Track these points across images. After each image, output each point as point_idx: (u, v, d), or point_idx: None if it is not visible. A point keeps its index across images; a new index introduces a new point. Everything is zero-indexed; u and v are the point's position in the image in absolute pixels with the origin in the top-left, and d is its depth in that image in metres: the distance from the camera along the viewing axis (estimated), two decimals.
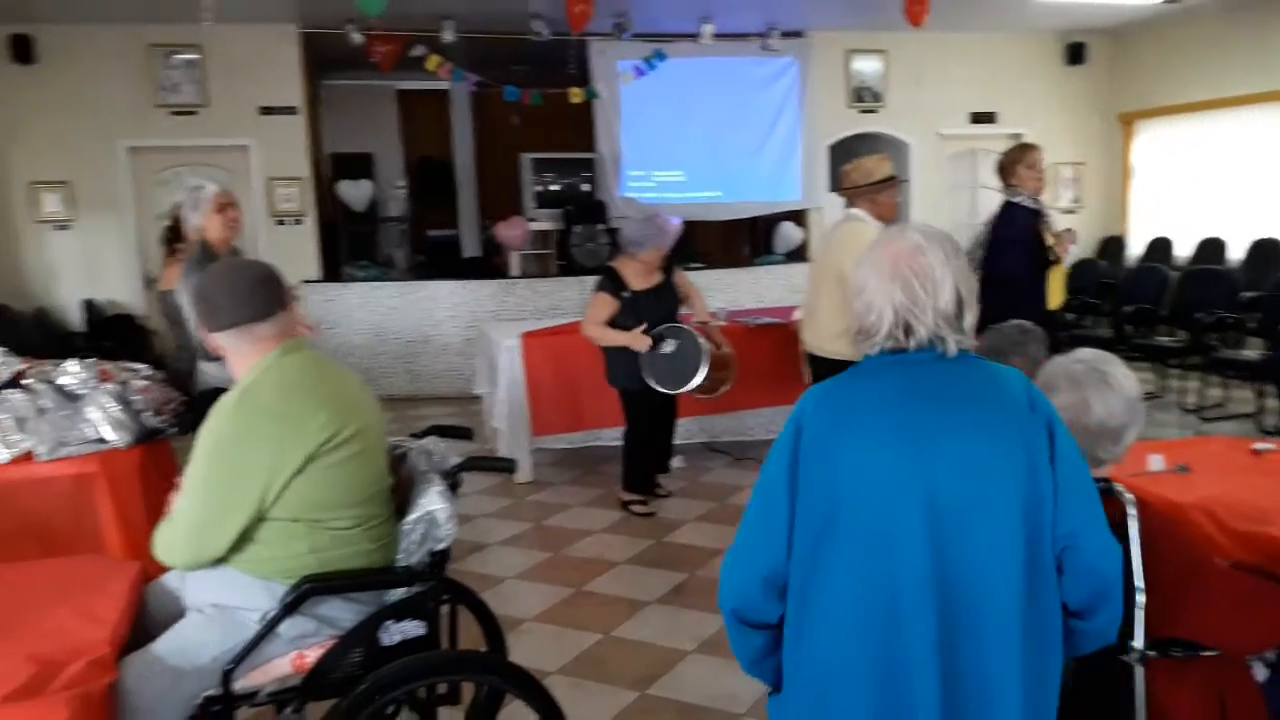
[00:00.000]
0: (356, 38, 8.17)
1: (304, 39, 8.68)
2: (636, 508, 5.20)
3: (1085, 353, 2.09)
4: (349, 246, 9.43)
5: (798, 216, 10.18)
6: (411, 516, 2.27)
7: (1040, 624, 1.54)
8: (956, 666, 1.51)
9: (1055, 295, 4.78)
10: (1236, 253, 8.91)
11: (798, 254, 10.01)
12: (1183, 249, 9.53)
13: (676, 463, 5.95)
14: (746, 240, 11.23)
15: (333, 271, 9.06)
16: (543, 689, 2.30)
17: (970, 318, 1.63)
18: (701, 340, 4.89)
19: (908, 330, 1.60)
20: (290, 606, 2.14)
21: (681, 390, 4.96)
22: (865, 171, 4.24)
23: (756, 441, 6.38)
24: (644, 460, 5.24)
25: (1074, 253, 4.95)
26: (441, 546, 2.30)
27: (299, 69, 8.73)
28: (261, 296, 2.22)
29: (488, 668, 2.46)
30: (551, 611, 4.00)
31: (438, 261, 10.26)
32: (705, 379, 4.88)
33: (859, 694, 1.55)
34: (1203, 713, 1.89)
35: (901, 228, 1.71)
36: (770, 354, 6.01)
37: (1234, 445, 3.23)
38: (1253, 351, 7.29)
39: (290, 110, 8.71)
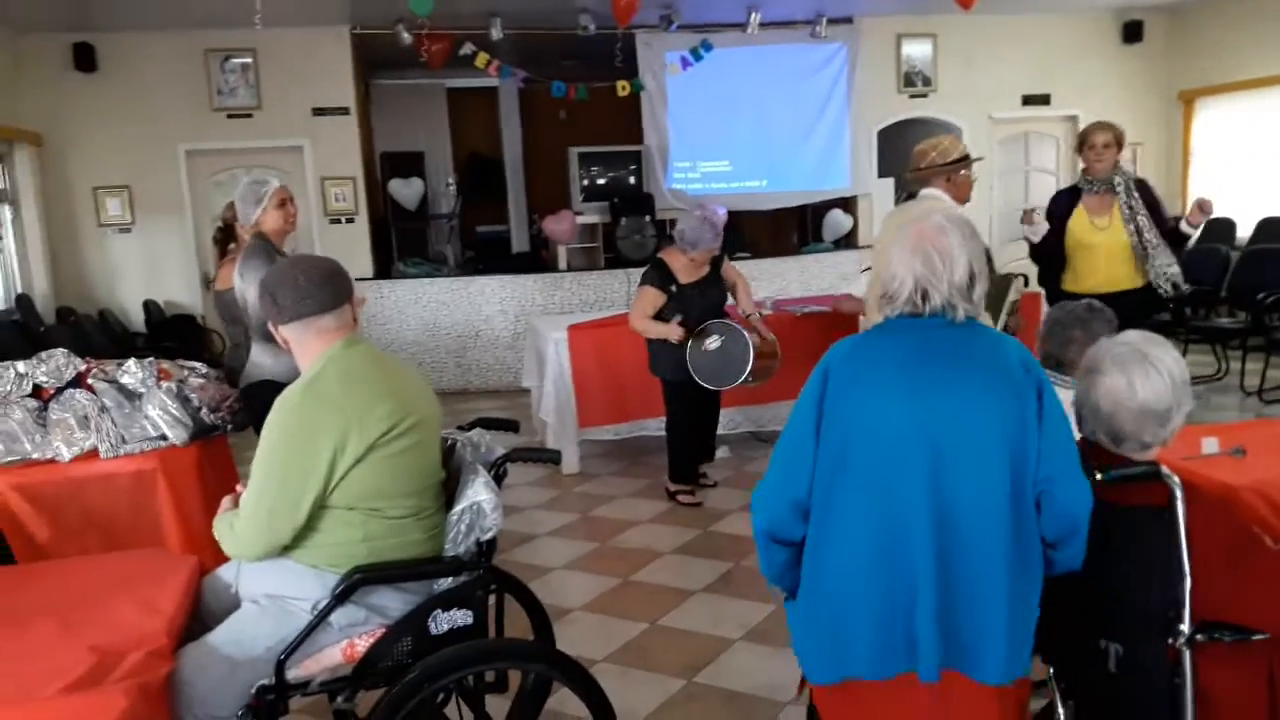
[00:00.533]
0: (406, 37, 8.27)
1: (355, 40, 8.81)
2: (683, 498, 5.21)
3: (1131, 334, 2.08)
4: (400, 244, 9.54)
5: (846, 204, 10.09)
6: (458, 507, 2.31)
7: (1021, 549, 1.82)
8: (950, 580, 1.80)
9: (1089, 277, 4.59)
10: None
11: (846, 241, 9.92)
12: (1244, 229, 9.26)
13: (722, 453, 5.95)
14: (794, 228, 11.15)
15: (385, 269, 9.20)
16: (589, 677, 2.32)
17: (979, 290, 1.90)
18: (747, 335, 4.87)
19: (924, 297, 1.89)
20: (341, 596, 2.18)
21: (727, 387, 4.97)
22: (943, 151, 4.10)
23: None
24: (687, 450, 5.25)
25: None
26: (488, 536, 2.33)
27: (350, 70, 8.87)
28: (326, 290, 2.27)
29: (535, 656, 2.48)
30: (598, 601, 4.03)
31: (487, 257, 10.35)
32: (749, 374, 4.87)
33: (869, 599, 1.84)
34: (1252, 697, 1.85)
35: (928, 211, 1.99)
36: (817, 342, 5.94)
37: None
38: None
39: (343, 111, 8.86)
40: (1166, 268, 4.51)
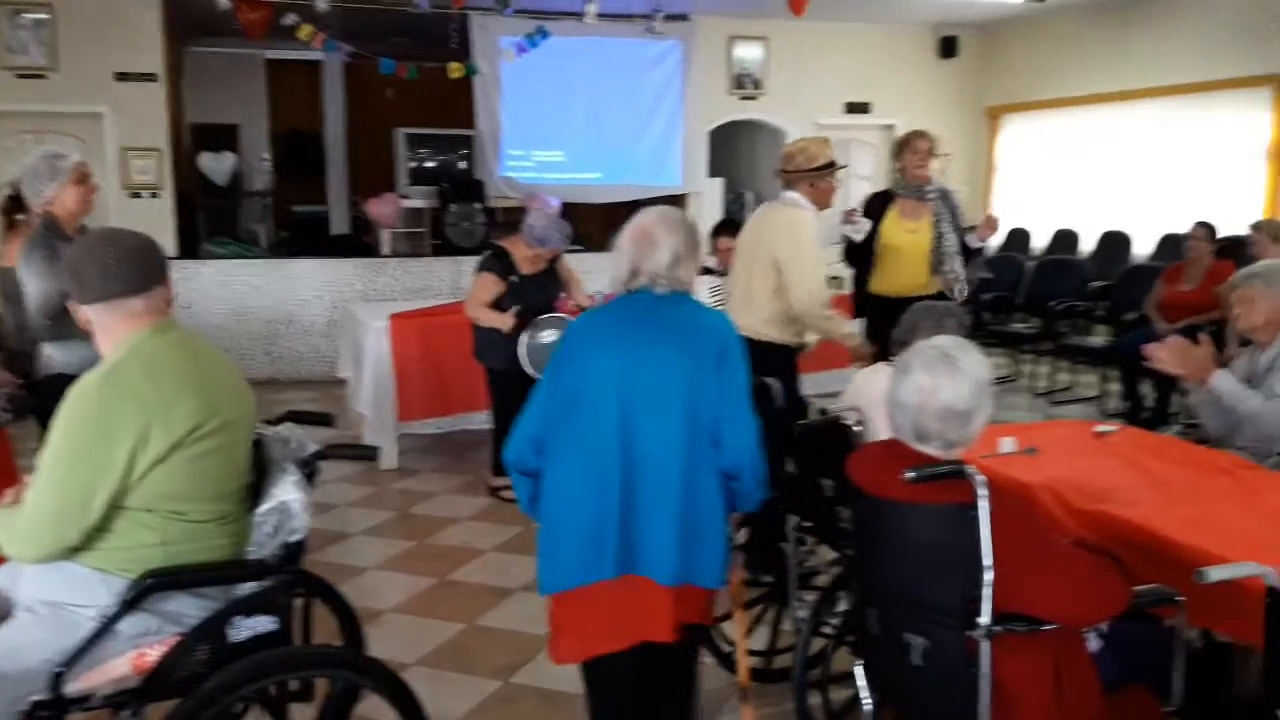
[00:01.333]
0: (223, 2, 7.75)
1: (165, 2, 8.21)
2: (506, 493, 5.11)
3: (942, 339, 2.18)
4: (209, 222, 9.01)
5: (678, 201, 10.22)
6: (264, 507, 2.20)
7: (695, 476, 2.23)
8: (633, 501, 2.22)
9: (894, 279, 4.71)
10: (1088, 244, 9.38)
11: None
12: (1040, 240, 9.97)
13: None
14: (627, 223, 11.22)
15: (190, 248, 8.65)
16: (399, 681, 2.25)
17: (683, 272, 2.33)
18: None
19: (634, 276, 2.32)
20: (131, 603, 2.02)
21: None
22: (809, 156, 4.13)
23: None
24: None
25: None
26: (296, 538, 2.23)
27: (159, 34, 8.28)
28: (134, 269, 2.10)
29: (340, 662, 2.37)
30: (413, 602, 3.91)
31: (304, 238, 9.93)
32: None
33: (574, 519, 2.26)
34: (1039, 683, 1.96)
35: (647, 210, 2.42)
36: None
37: (1079, 428, 3.40)
38: (1099, 338, 7.70)
39: (149, 77, 8.27)
40: (956, 275, 4.62)
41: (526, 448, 2.35)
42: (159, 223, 8.25)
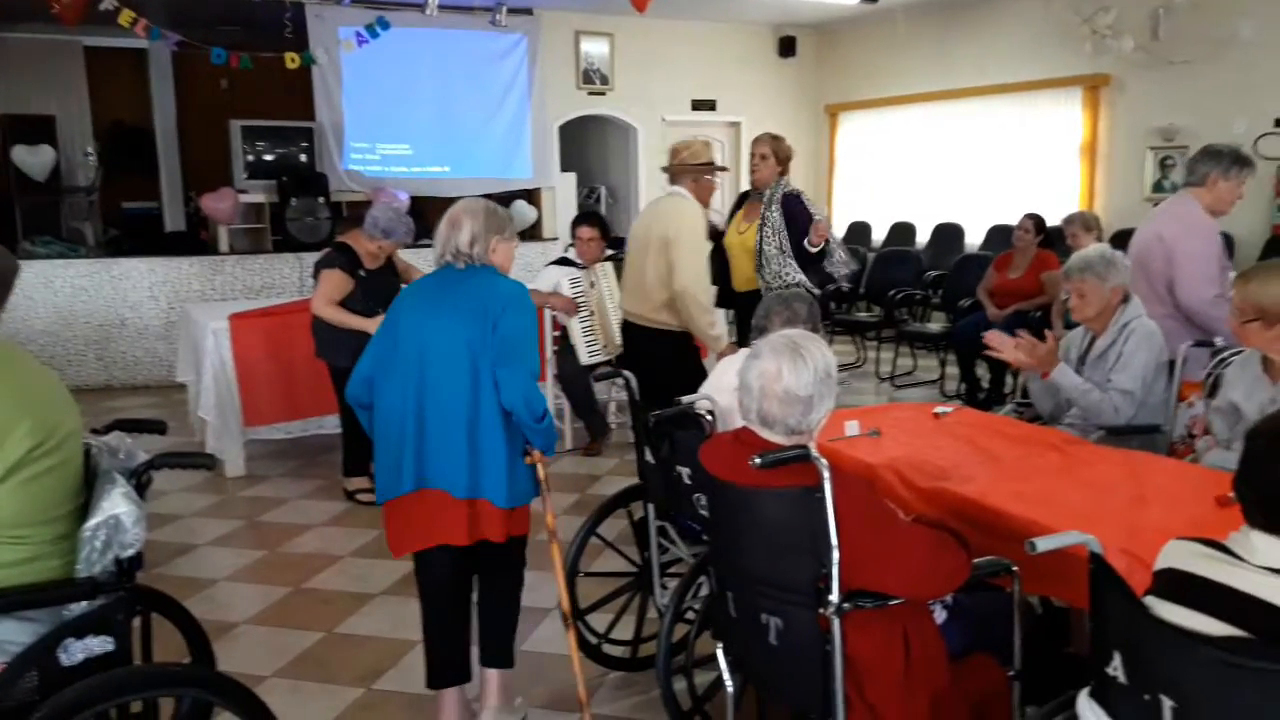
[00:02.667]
0: None
1: None
2: (362, 496, 4.99)
3: (792, 330, 2.29)
4: (25, 220, 8.38)
5: (531, 195, 10.16)
6: (92, 521, 2.07)
7: (480, 413, 2.71)
8: (425, 431, 2.72)
9: (735, 275, 4.92)
10: (924, 235, 9.85)
11: (531, 232, 9.99)
12: (880, 233, 10.41)
13: None
14: None
15: (8, 248, 7.98)
16: (251, 696, 2.17)
17: (478, 249, 2.78)
18: None
19: (443, 253, 2.81)
20: None
21: None
22: (694, 153, 4.42)
23: None
24: (364, 441, 5.02)
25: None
26: (129, 553, 2.10)
27: None
28: None
29: (183, 680, 2.28)
30: (268, 612, 3.77)
31: (135, 236, 9.37)
32: None
33: (384, 445, 2.80)
34: (889, 656, 2.05)
35: (460, 200, 2.88)
36: None
37: (919, 410, 3.56)
38: (936, 324, 8.11)
39: None
40: (779, 276, 4.70)
41: (361, 386, 2.87)
42: None
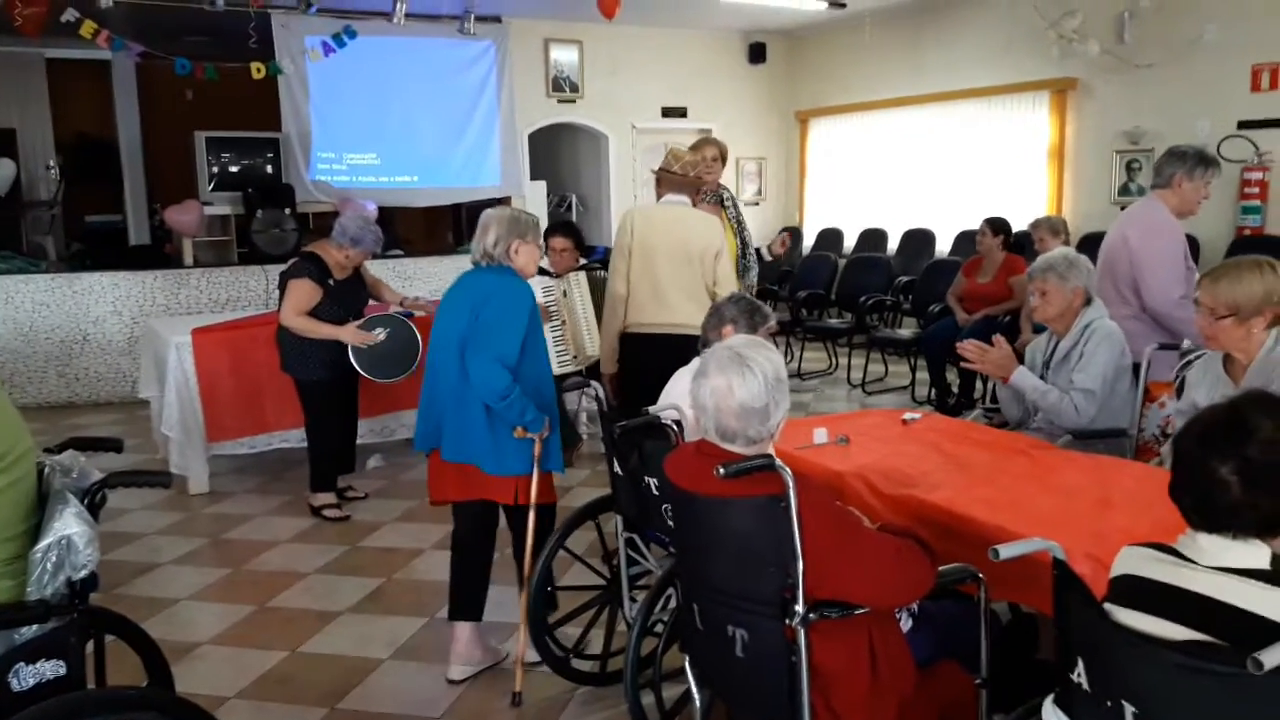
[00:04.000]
0: None
1: None
2: (329, 512, 4.92)
3: (736, 339, 2.26)
4: None
5: (501, 204, 10.11)
6: (43, 542, 2.01)
7: (466, 393, 3.12)
8: (434, 403, 3.24)
9: None
10: (894, 242, 9.88)
11: None
12: (851, 239, 10.44)
13: (374, 461, 5.72)
14: (449, 227, 11.02)
15: None
16: (207, 717, 2.12)
17: (499, 249, 3.19)
18: (411, 324, 4.93)
19: (474, 254, 3.26)
20: None
21: (400, 378, 4.89)
22: (684, 165, 4.37)
23: None
24: (330, 456, 4.97)
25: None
26: (82, 574, 2.05)
27: None
28: None
29: (140, 703, 2.21)
30: (230, 632, 3.69)
31: (98, 250, 9.25)
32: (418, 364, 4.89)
33: (427, 405, 3.29)
34: (856, 665, 2.02)
35: (490, 209, 3.34)
36: None
37: (888, 416, 3.55)
38: (907, 330, 8.13)
39: None
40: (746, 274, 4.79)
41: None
42: None
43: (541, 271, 5.71)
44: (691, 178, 4.34)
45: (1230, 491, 1.52)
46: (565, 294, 5.49)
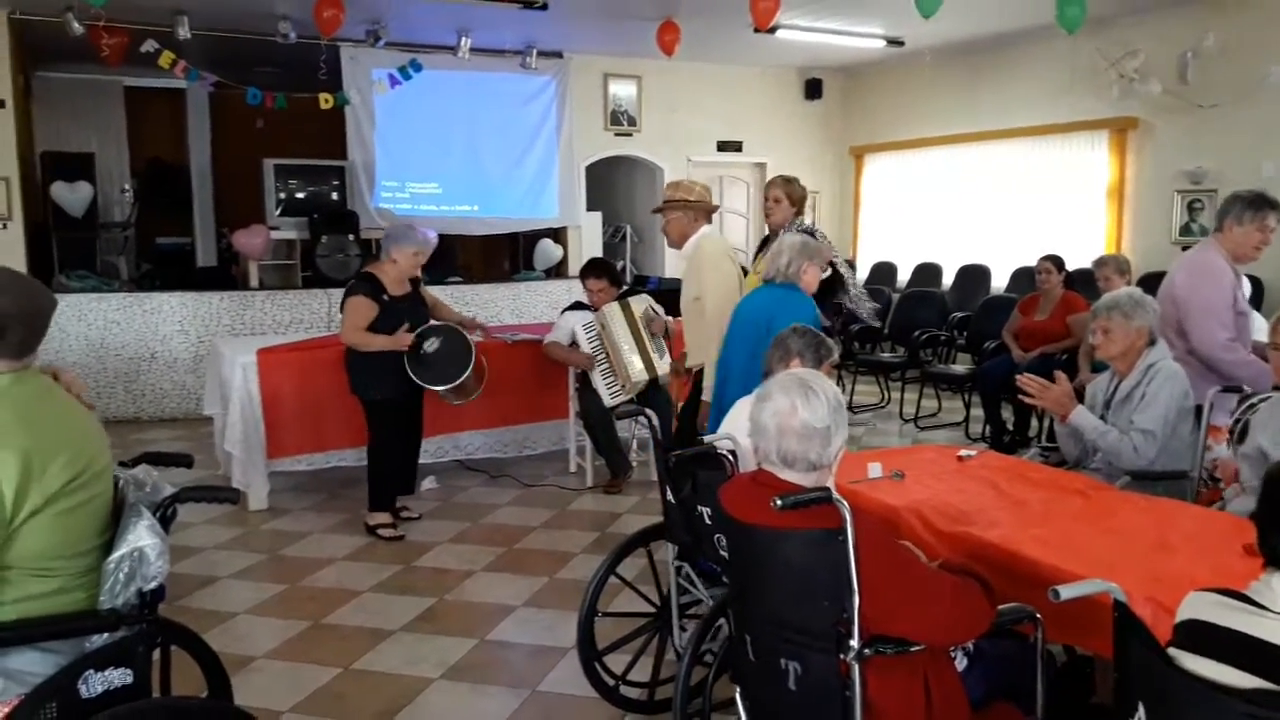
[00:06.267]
0: (77, 28, 7.42)
1: (14, 26, 7.80)
2: (384, 531, 4.99)
3: (798, 369, 2.31)
4: (62, 254, 8.54)
5: (557, 234, 10.24)
6: (117, 553, 2.07)
7: (756, 377, 3.25)
8: (729, 388, 3.86)
9: None
10: (949, 277, 9.82)
11: (557, 270, 10.07)
12: (905, 274, 10.39)
13: (428, 483, 5.79)
14: (507, 256, 11.18)
15: (43, 281, 8.11)
16: None
17: (793, 269, 3.88)
18: (466, 335, 5.01)
19: (769, 273, 3.94)
20: None
21: (452, 385, 4.94)
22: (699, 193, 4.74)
23: (513, 459, 6.32)
24: (390, 477, 5.06)
25: None
26: (151, 586, 2.10)
27: (7, 58, 7.83)
28: (31, 332, 2.08)
29: (203, 713, 2.28)
30: (286, 647, 3.76)
31: (167, 271, 9.53)
32: (472, 373, 4.94)
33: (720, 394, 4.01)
34: (910, 703, 2.01)
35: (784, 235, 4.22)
36: (528, 370, 6.00)
37: (942, 452, 3.53)
38: (961, 366, 8.05)
39: None
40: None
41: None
42: (7, 254, 7.76)
43: (583, 306, 5.79)
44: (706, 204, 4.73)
45: None
46: (604, 326, 5.56)
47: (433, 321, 5.02)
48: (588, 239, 10.24)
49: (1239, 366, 3.71)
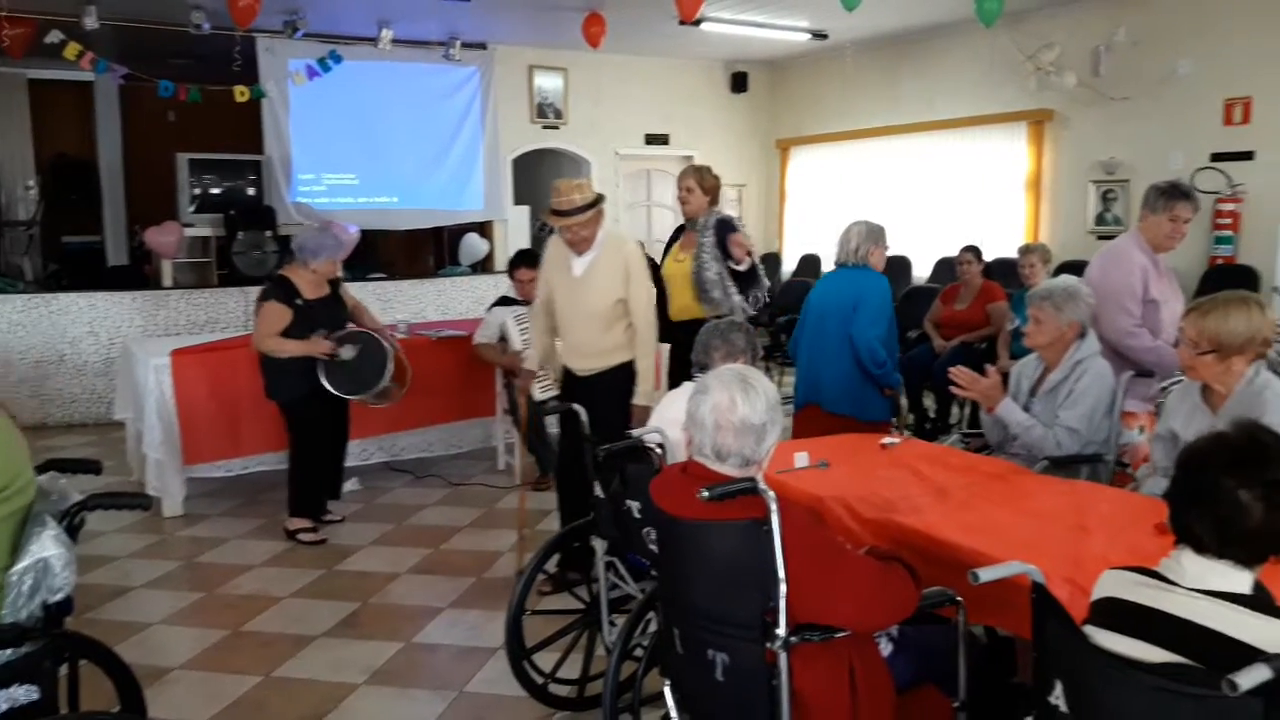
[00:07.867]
0: None
1: None
2: (305, 536, 4.87)
3: (736, 365, 2.34)
4: None
5: (483, 228, 10.12)
6: (20, 565, 1.99)
7: (849, 351, 4.23)
8: (818, 361, 4.40)
9: (671, 305, 4.81)
10: None
11: (483, 265, 9.95)
12: (829, 265, 10.45)
13: (351, 485, 5.67)
14: (431, 251, 11.02)
15: None
16: None
17: (861, 252, 4.45)
18: (384, 342, 4.84)
19: (840, 256, 4.53)
20: None
21: (368, 394, 4.83)
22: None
23: (440, 458, 6.23)
24: (313, 481, 4.93)
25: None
26: (58, 597, 2.04)
27: None
28: None
29: None
30: (203, 657, 3.64)
31: (76, 271, 9.19)
32: (389, 381, 4.81)
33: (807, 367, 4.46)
34: (836, 690, 2.02)
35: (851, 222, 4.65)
36: (454, 367, 5.91)
37: (866, 440, 3.56)
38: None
39: None
40: (727, 299, 4.68)
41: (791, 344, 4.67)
42: None
43: (510, 301, 5.71)
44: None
45: (1253, 516, 1.53)
46: None
47: (350, 327, 4.88)
48: (514, 233, 10.13)
49: (1143, 353, 3.80)
